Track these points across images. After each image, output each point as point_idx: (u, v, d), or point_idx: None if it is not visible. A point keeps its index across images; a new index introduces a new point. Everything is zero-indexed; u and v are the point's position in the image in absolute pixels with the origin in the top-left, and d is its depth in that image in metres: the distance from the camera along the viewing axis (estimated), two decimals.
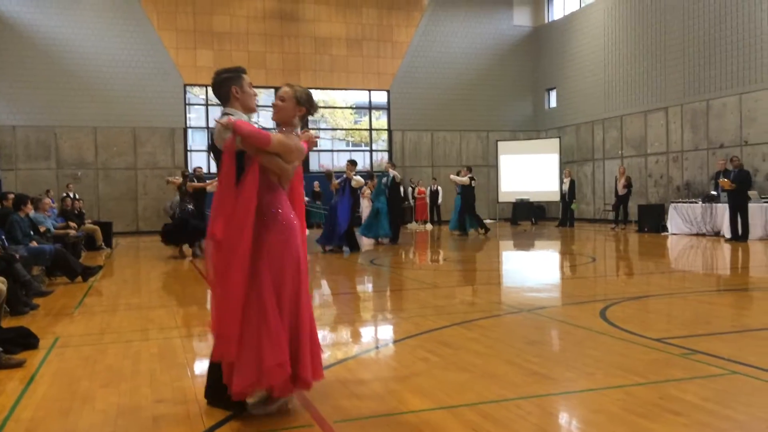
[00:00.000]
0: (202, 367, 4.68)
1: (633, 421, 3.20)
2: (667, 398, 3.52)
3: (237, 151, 3.32)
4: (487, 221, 24.14)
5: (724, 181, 13.93)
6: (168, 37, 21.30)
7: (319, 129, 30.29)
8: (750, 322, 5.94)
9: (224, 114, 3.52)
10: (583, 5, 23.29)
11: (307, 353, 3.37)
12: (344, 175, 13.33)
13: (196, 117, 23.38)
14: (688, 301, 6.90)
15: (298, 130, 3.65)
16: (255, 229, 3.31)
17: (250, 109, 3.63)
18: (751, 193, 14.15)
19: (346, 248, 13.00)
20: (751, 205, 13.78)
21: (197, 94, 22.75)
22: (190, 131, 22.16)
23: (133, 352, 4.96)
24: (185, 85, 21.58)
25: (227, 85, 3.58)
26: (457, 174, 18.29)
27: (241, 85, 3.60)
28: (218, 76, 3.61)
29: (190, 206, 12.64)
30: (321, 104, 27.42)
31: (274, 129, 3.58)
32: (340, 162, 33.71)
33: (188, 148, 21.82)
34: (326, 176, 15.24)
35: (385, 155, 24.28)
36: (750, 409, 3.34)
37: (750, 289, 7.91)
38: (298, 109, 3.58)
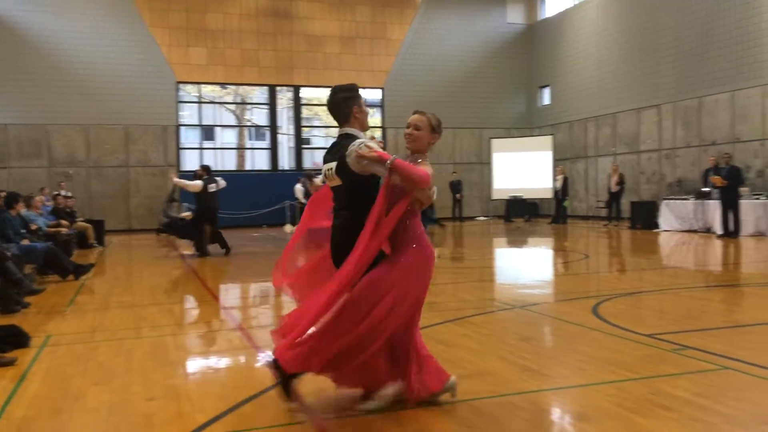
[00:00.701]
0: (195, 365, 4.68)
1: (624, 416, 3.21)
2: (658, 393, 3.54)
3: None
4: (481, 218, 24.20)
5: (715, 178, 14.00)
6: (160, 34, 21.20)
7: (313, 127, 30.26)
8: (741, 317, 5.97)
9: (346, 135, 3.53)
10: (576, 2, 23.32)
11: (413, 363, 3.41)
12: None
13: (188, 115, 23.32)
14: (679, 297, 6.94)
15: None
16: (398, 249, 3.41)
17: (365, 128, 3.64)
18: (743, 189, 14.21)
19: None
20: (742, 202, 13.84)
21: (190, 92, 22.69)
22: (182, 129, 22.07)
23: (125, 349, 4.95)
24: (177, 83, 21.49)
25: (349, 105, 3.58)
26: None
27: (360, 104, 3.61)
28: (337, 95, 3.60)
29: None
30: (315, 102, 27.43)
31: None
32: None
33: (180, 146, 21.74)
34: (307, 177, 15.05)
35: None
36: (740, 404, 3.36)
37: (741, 285, 7.95)
38: (432, 136, 3.58)
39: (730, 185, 13.71)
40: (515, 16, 25.37)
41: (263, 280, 9.42)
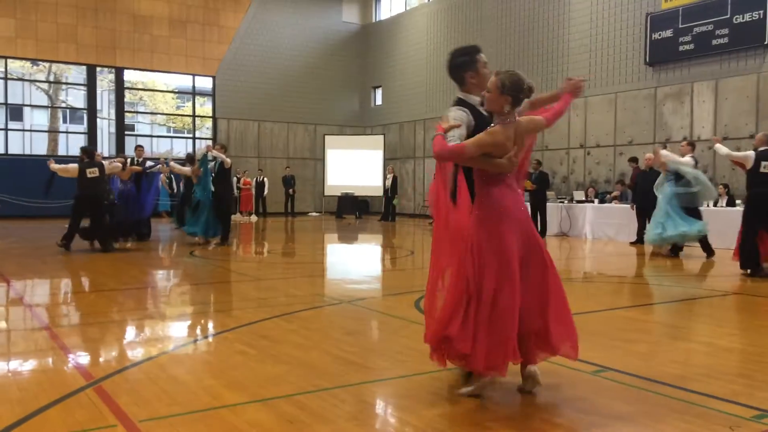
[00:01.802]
0: None
1: (439, 404, 3.40)
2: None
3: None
4: (313, 214, 24.33)
5: (526, 182, 15.29)
6: None
7: (137, 113, 28.53)
8: None
9: (456, 101, 3.69)
10: (408, 7, 24.23)
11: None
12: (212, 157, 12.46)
13: None
14: None
15: (515, 115, 3.53)
16: (480, 219, 3.47)
17: (483, 90, 3.61)
18: (549, 193, 15.68)
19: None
20: (549, 205, 15.25)
21: None
22: None
23: None
24: None
25: (461, 72, 3.70)
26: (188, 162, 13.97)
27: (477, 69, 3.71)
28: (452, 60, 3.74)
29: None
30: (140, 86, 25.86)
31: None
32: (159, 148, 32.02)
33: None
34: (187, 160, 13.87)
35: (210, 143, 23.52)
36: (538, 388, 3.70)
37: None
38: (504, 98, 3.46)
39: (538, 189, 15.02)
40: (350, 16, 25.81)
41: (74, 274, 8.72)
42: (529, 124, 3.63)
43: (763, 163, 8.55)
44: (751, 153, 8.77)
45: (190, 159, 13.77)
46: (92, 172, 10.91)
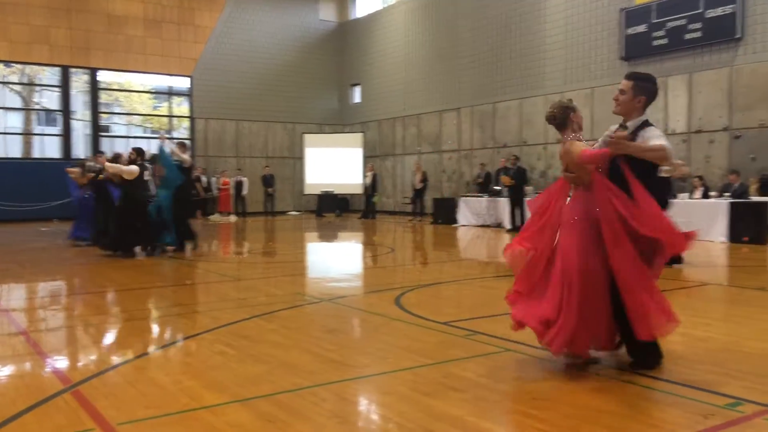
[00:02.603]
0: None
1: (419, 400, 3.42)
2: (450, 377, 3.81)
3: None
4: (293, 213, 24.26)
5: (504, 178, 15.39)
6: None
7: (113, 114, 28.22)
8: None
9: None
10: (385, 5, 24.22)
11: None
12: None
13: None
14: (473, 287, 7.52)
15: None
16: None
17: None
18: (528, 188, 15.79)
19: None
20: (527, 200, 15.34)
21: None
22: None
23: None
24: None
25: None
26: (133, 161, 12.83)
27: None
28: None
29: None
30: (115, 87, 25.60)
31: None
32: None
33: None
34: (151, 161, 13.29)
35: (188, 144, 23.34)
36: (517, 382, 3.74)
37: None
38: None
39: (516, 184, 15.13)
40: (327, 14, 25.74)
41: (52, 278, 8.63)
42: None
43: None
44: None
45: (153, 159, 12.00)
46: (147, 174, 10.58)
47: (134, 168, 10.42)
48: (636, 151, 3.69)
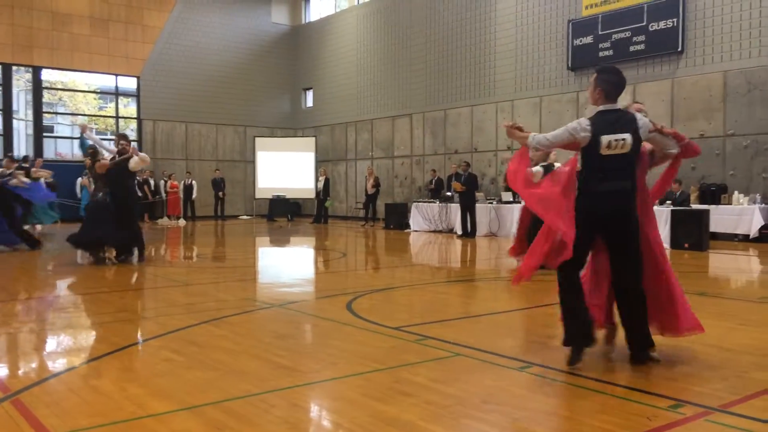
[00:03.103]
0: None
1: (370, 405, 3.42)
2: (401, 381, 3.82)
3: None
4: (243, 217, 23.97)
5: (456, 184, 15.56)
6: None
7: (56, 114, 27.36)
8: (472, 309, 6.71)
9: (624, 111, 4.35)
10: (338, 10, 24.23)
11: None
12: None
13: None
14: (425, 292, 7.57)
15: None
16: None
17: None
18: (479, 194, 16.00)
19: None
20: (478, 206, 15.56)
21: None
22: None
23: None
24: None
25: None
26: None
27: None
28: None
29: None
30: (59, 86, 24.86)
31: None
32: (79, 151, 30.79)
33: None
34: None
35: (134, 145, 22.78)
36: (467, 386, 3.77)
37: (475, 279, 8.94)
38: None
39: (468, 190, 15.30)
40: (280, 17, 25.58)
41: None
42: None
43: None
44: None
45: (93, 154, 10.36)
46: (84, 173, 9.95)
47: (145, 156, 9.92)
48: (519, 139, 4.34)
